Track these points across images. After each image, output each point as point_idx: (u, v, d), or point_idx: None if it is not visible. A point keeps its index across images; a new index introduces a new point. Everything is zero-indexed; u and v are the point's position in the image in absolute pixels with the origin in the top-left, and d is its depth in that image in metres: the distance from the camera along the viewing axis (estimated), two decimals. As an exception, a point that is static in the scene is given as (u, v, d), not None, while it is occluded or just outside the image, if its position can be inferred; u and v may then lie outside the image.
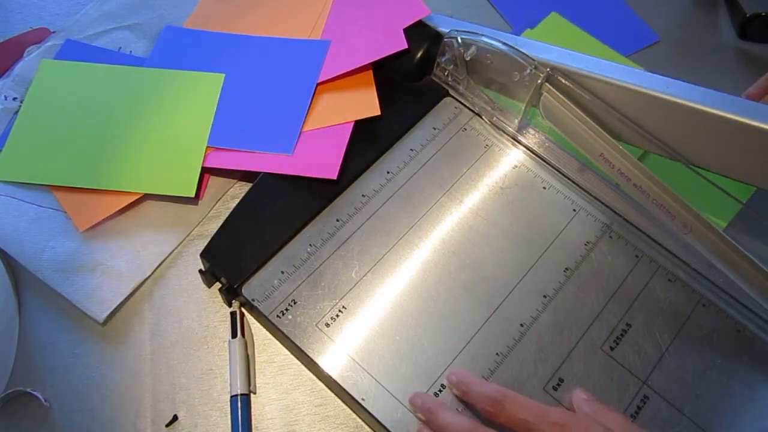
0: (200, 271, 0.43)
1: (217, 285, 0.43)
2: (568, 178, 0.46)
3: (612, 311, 0.42)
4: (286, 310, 0.41)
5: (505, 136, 0.47)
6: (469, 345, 0.40)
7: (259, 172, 0.45)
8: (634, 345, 0.41)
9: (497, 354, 0.40)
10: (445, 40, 0.46)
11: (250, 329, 0.43)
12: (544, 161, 0.46)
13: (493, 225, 0.44)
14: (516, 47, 0.44)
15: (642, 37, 0.57)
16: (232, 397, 0.40)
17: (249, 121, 0.47)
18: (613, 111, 0.42)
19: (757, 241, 0.42)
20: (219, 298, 0.44)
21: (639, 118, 0.42)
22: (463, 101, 0.49)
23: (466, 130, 0.48)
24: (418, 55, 0.48)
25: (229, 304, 0.43)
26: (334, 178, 0.44)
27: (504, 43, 0.44)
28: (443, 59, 0.47)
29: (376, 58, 0.47)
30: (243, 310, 0.43)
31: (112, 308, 0.43)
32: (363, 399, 0.38)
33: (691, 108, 0.39)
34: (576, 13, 0.58)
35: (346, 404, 0.41)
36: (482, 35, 0.45)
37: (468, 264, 0.43)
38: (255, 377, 0.41)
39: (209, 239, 0.42)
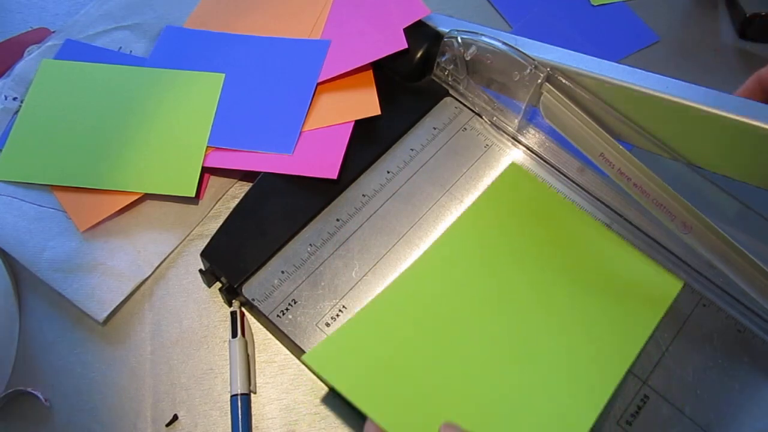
0: (200, 270, 0.43)
1: (218, 285, 0.43)
2: (568, 178, 0.46)
3: (612, 311, 0.42)
4: (287, 309, 0.41)
5: (505, 136, 0.47)
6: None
7: (259, 172, 0.45)
8: (634, 345, 0.41)
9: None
10: (445, 39, 0.46)
11: (250, 329, 0.43)
12: (544, 161, 0.46)
13: (493, 225, 0.44)
14: (516, 47, 0.44)
15: (642, 37, 0.57)
16: (232, 396, 0.40)
17: (249, 120, 0.47)
18: (613, 111, 0.42)
19: (758, 241, 0.42)
20: (219, 298, 0.44)
21: (639, 118, 0.42)
22: (463, 101, 0.49)
23: (466, 130, 0.48)
24: (418, 55, 0.48)
25: (230, 304, 0.43)
26: (335, 177, 0.44)
27: (504, 43, 0.44)
28: (443, 59, 0.47)
29: (376, 58, 0.47)
30: (243, 309, 0.43)
31: (113, 308, 0.43)
32: (363, 399, 0.38)
33: (691, 108, 0.39)
34: (575, 12, 0.58)
35: (346, 404, 0.41)
36: (482, 35, 0.45)
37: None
38: (255, 377, 0.41)
39: (209, 239, 0.43)
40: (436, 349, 0.38)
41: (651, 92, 0.40)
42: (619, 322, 0.39)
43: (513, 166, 0.45)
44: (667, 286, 0.41)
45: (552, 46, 0.44)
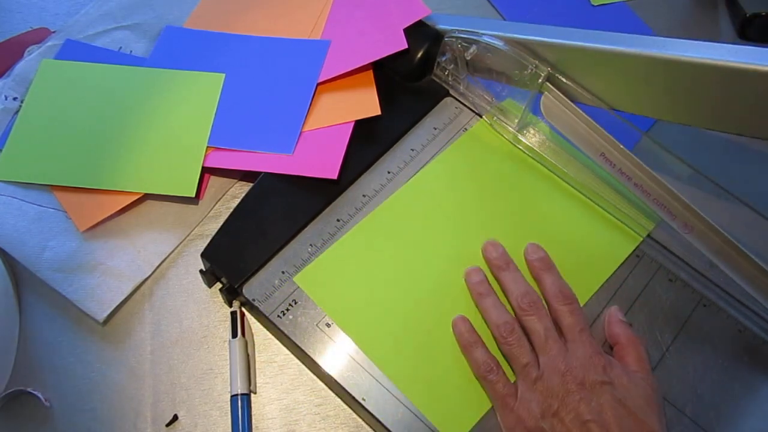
0: (201, 271, 0.43)
1: (218, 285, 0.43)
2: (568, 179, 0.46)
3: (612, 311, 0.42)
4: (287, 310, 0.41)
5: (506, 136, 0.47)
6: (469, 345, 0.41)
7: (260, 172, 0.45)
8: (634, 345, 0.41)
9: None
10: (446, 39, 0.46)
11: (251, 329, 0.43)
12: (545, 161, 0.46)
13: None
14: (517, 40, 0.43)
15: (642, 37, 0.57)
16: (232, 396, 0.40)
17: (249, 121, 0.47)
18: (612, 112, 0.42)
19: (758, 241, 0.42)
20: (219, 298, 0.44)
21: (650, 85, 0.40)
22: (463, 101, 0.49)
23: (466, 130, 0.48)
24: (419, 55, 0.47)
25: (230, 304, 0.43)
26: (335, 178, 0.44)
27: (505, 43, 0.44)
28: (443, 59, 0.47)
29: (376, 58, 0.47)
30: (243, 309, 0.43)
31: (113, 308, 0.43)
32: (364, 399, 0.38)
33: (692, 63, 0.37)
34: (575, 12, 0.58)
35: (346, 404, 0.41)
36: (483, 34, 0.45)
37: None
38: (255, 377, 0.41)
39: (210, 239, 0.43)
40: (414, 273, 0.42)
41: (660, 56, 0.38)
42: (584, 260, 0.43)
43: (481, 123, 0.48)
44: (628, 236, 0.44)
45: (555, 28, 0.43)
